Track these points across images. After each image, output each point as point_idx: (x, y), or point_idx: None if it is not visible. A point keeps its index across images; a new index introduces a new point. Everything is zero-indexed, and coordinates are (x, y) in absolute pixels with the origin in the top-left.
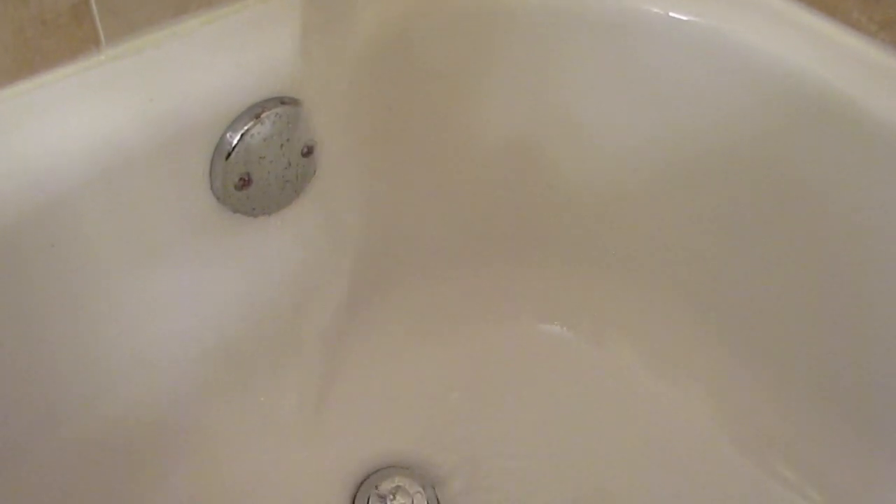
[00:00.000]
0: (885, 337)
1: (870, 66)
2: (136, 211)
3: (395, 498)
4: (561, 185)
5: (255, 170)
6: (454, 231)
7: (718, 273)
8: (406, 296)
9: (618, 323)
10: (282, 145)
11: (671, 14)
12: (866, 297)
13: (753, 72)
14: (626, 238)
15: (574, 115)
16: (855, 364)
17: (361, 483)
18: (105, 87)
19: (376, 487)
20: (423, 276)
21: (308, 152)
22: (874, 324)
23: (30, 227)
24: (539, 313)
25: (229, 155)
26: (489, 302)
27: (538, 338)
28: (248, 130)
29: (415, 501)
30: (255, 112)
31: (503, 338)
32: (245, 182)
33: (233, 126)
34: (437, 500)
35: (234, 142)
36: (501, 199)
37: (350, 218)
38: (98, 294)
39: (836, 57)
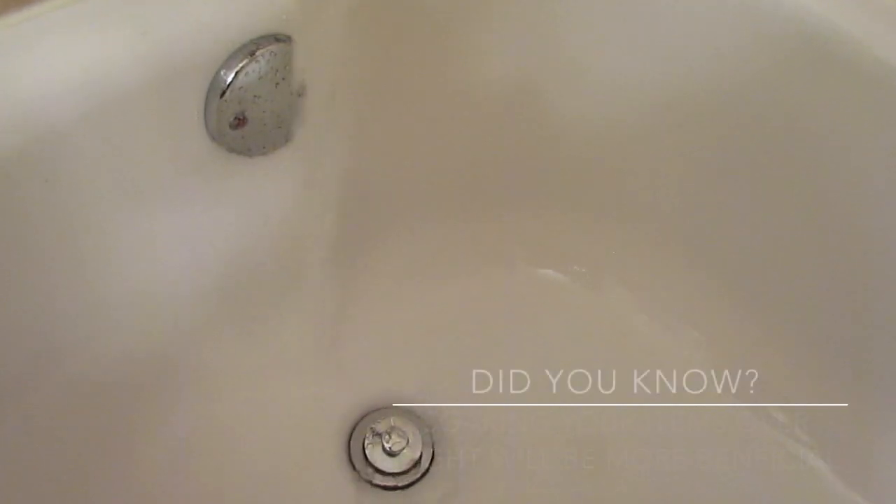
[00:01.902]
0: (883, 282)
1: (873, 6)
2: (131, 148)
3: (391, 437)
4: (558, 128)
5: (251, 109)
6: (449, 176)
7: (715, 218)
8: (401, 240)
9: (614, 268)
10: (277, 84)
11: None
12: (864, 241)
13: (754, 10)
14: (623, 183)
15: (571, 54)
16: (853, 310)
17: (358, 422)
18: (97, 19)
19: (373, 427)
20: (418, 221)
21: (303, 92)
22: (872, 269)
23: (23, 161)
24: (535, 258)
25: (224, 93)
26: (485, 247)
27: (534, 283)
28: (242, 68)
29: (411, 441)
30: (249, 49)
31: (499, 282)
32: (240, 121)
33: (227, 63)
34: (433, 439)
35: (229, 80)
36: (497, 143)
37: (344, 160)
38: (93, 230)
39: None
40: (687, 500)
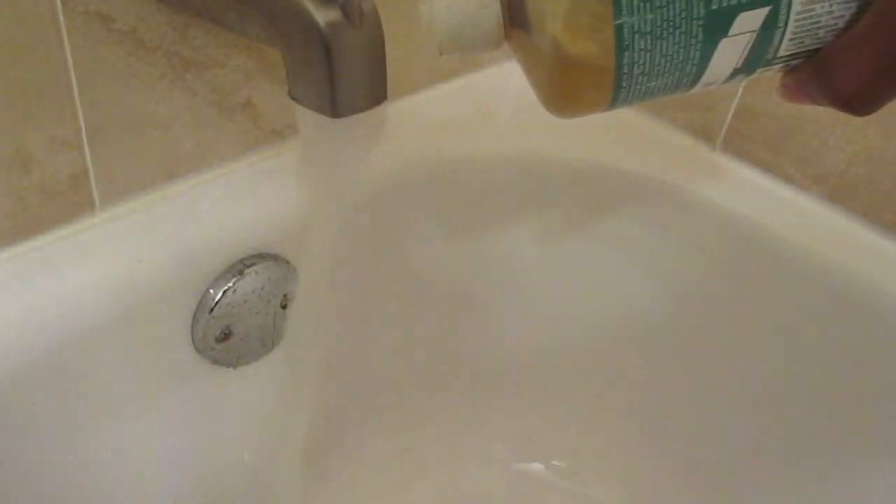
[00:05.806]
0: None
1: (805, 215)
2: (118, 367)
3: None
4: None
5: (237, 323)
6: (421, 377)
7: (684, 411)
8: (375, 441)
9: (594, 461)
10: (263, 299)
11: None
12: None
13: (697, 226)
14: (592, 376)
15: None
16: None
17: None
18: (97, 248)
19: None
20: (392, 421)
21: (285, 305)
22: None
23: (11, 385)
24: (515, 452)
25: (212, 310)
26: (460, 442)
27: (514, 477)
28: (231, 286)
29: None
30: (238, 268)
31: (478, 478)
32: (226, 335)
33: (216, 282)
34: None
35: (217, 297)
36: (465, 345)
37: (321, 364)
38: (73, 449)
39: (772, 206)
40: None
